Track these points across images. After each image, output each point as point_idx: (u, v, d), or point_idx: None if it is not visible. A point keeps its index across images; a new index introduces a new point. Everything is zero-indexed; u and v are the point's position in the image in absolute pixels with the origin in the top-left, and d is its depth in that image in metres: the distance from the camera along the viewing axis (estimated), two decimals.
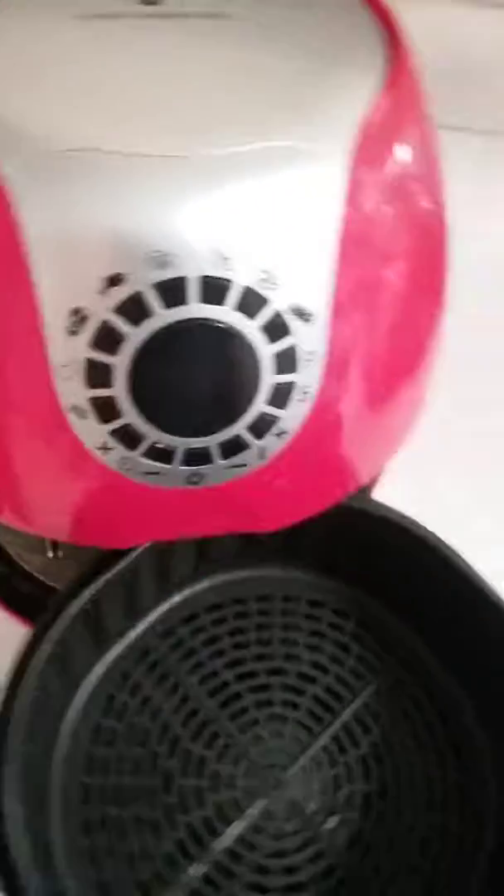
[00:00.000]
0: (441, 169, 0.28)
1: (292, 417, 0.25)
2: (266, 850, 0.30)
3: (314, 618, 0.36)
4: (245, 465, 0.26)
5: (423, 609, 0.35)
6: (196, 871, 0.30)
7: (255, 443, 0.25)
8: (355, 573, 0.36)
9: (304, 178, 0.23)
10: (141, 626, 0.34)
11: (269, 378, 0.24)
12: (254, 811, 0.31)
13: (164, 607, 0.35)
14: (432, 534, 0.33)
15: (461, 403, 0.46)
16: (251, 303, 0.23)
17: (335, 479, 0.30)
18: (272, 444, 0.26)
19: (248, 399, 0.24)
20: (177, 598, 0.35)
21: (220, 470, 0.26)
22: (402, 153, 0.26)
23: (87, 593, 0.30)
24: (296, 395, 0.25)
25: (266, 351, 0.24)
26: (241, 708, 0.33)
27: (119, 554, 0.31)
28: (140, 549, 0.31)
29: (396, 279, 0.26)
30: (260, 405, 0.24)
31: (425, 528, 0.33)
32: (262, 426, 0.25)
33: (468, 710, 0.34)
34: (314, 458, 0.28)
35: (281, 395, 0.25)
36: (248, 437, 0.25)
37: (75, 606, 0.30)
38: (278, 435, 0.25)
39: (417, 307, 0.28)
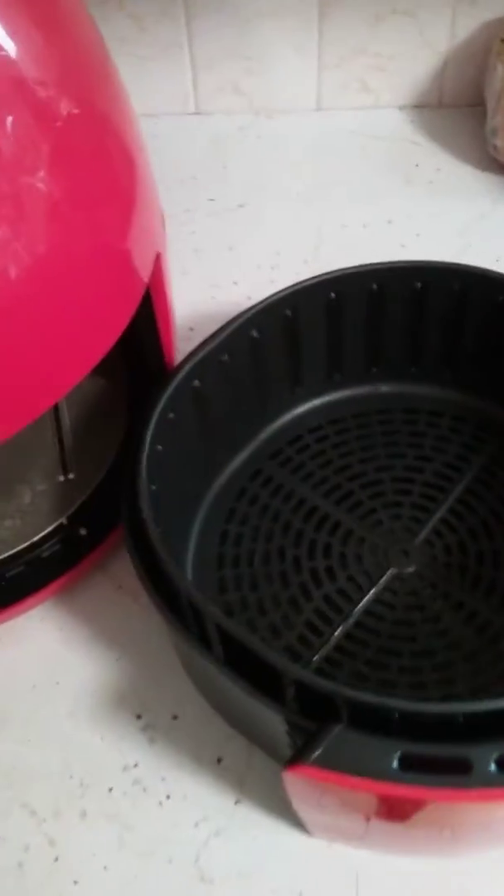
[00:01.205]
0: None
1: None
2: (397, 614, 0.31)
3: (411, 422, 0.37)
4: None
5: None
6: (338, 631, 0.31)
7: None
8: (440, 374, 0.38)
9: None
10: (246, 452, 0.37)
11: None
12: (384, 579, 0.32)
13: (265, 434, 0.37)
14: None
15: None
16: None
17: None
18: None
19: None
20: (276, 424, 0.37)
21: None
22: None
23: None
24: None
25: None
26: (356, 502, 0.35)
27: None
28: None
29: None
30: None
31: None
32: None
33: None
34: None
35: None
36: None
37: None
38: None
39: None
